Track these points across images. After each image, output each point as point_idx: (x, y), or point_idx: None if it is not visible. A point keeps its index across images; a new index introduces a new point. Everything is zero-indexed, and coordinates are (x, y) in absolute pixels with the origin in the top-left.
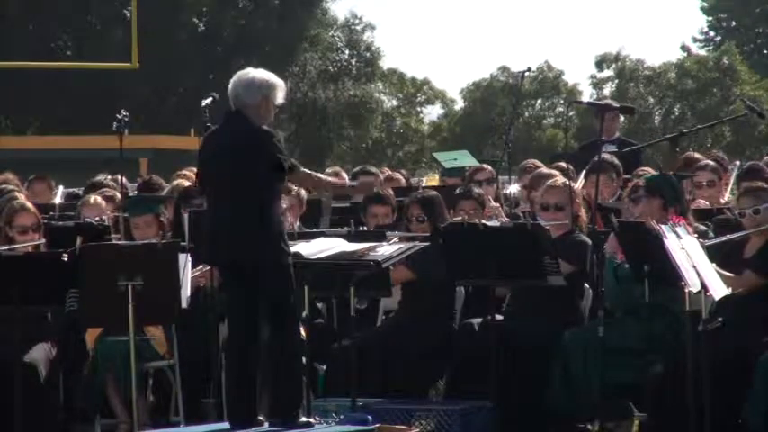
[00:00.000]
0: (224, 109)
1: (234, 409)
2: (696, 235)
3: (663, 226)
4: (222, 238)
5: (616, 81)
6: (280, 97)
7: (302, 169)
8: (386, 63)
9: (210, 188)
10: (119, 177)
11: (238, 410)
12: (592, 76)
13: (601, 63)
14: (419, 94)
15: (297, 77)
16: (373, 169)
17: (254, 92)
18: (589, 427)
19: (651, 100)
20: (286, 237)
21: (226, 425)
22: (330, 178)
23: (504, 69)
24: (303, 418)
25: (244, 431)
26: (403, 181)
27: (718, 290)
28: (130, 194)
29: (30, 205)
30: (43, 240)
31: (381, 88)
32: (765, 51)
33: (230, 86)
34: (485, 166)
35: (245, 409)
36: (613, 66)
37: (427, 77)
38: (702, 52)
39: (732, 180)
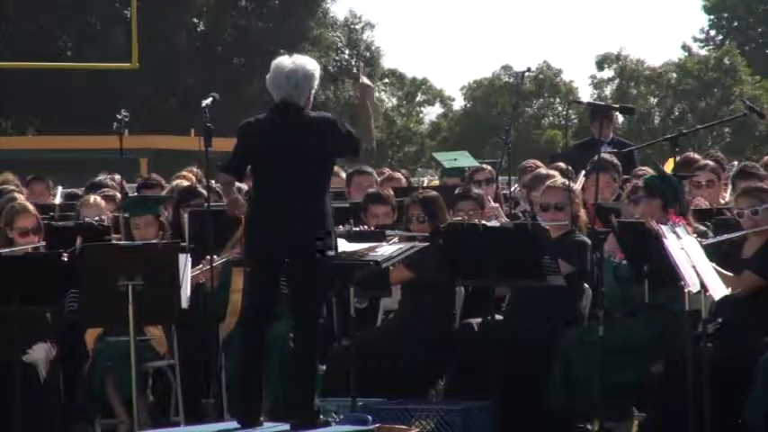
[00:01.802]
0: (224, 109)
1: (242, 408)
2: (696, 235)
3: (663, 226)
4: (288, 232)
5: (617, 81)
6: (318, 79)
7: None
8: (386, 63)
9: (271, 179)
10: (117, 177)
11: (246, 410)
12: (592, 77)
13: (601, 63)
14: (419, 93)
15: None
16: (368, 169)
17: (303, 87)
18: (589, 427)
19: (651, 100)
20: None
21: (228, 425)
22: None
23: (506, 68)
24: (321, 417)
25: (251, 430)
26: (403, 181)
27: (718, 290)
28: (130, 195)
29: (31, 207)
30: (43, 243)
31: (381, 87)
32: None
33: (272, 78)
34: (484, 166)
35: (253, 409)
36: (614, 66)
37: (426, 77)
38: (703, 52)
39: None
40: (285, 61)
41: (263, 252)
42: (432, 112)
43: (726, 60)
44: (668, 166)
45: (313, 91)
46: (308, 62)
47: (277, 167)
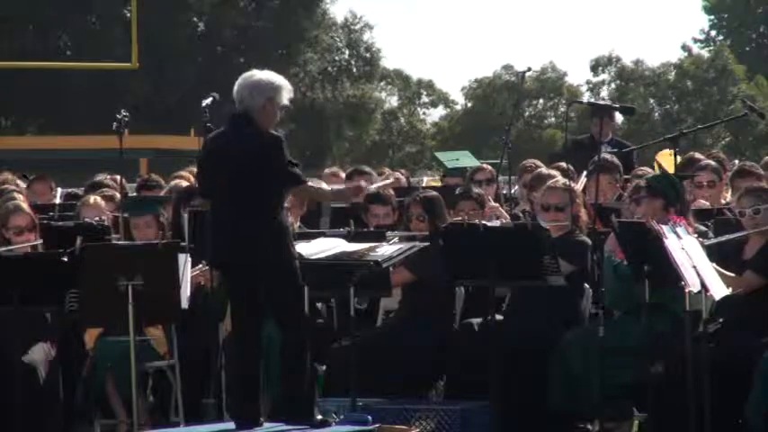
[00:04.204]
0: (224, 109)
1: (240, 409)
2: (696, 235)
3: (663, 226)
4: (229, 240)
5: (616, 82)
6: (285, 98)
7: (307, 182)
8: (388, 63)
9: (217, 190)
10: (118, 177)
11: (244, 410)
12: (588, 81)
13: (596, 67)
14: (423, 93)
15: (296, 77)
16: (366, 168)
17: (259, 95)
18: (589, 427)
19: (651, 100)
20: (292, 237)
21: (228, 425)
22: (324, 186)
23: (507, 68)
24: (319, 416)
25: (251, 430)
26: (403, 181)
27: (718, 290)
28: (130, 195)
29: (24, 206)
30: (40, 241)
31: (383, 86)
32: (767, 52)
33: (235, 89)
34: (485, 165)
35: (251, 409)
36: (609, 68)
37: (432, 79)
38: (703, 52)
39: None
40: (251, 72)
41: (216, 263)
42: (434, 114)
43: (727, 59)
44: (663, 157)
45: (274, 104)
46: (272, 76)
47: (223, 179)
